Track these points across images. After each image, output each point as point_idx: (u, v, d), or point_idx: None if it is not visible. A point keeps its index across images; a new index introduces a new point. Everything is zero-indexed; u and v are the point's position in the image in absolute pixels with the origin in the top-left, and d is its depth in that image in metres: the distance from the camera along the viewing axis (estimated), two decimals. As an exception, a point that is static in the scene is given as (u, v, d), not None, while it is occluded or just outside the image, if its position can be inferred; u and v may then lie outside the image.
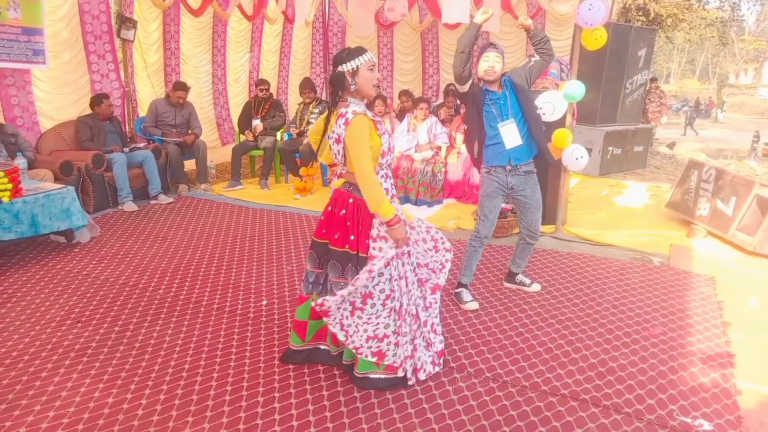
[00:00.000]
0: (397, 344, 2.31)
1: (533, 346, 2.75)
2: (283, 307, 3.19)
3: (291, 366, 2.53)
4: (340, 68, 2.24)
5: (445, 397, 2.32)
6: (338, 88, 2.27)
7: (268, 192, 6.09)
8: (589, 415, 2.21)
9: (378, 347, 2.30)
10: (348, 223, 2.30)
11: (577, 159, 4.06)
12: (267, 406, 2.24)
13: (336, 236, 2.32)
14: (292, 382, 2.41)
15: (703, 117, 20.93)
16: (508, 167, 3.09)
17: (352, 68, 2.23)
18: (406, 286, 2.35)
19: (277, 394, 2.32)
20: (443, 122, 6.23)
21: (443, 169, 5.62)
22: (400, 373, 2.33)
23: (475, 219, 4.68)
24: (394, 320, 2.30)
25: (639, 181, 7.02)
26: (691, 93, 27.30)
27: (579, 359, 2.63)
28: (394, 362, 2.31)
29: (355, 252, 2.30)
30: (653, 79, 11.01)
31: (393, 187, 2.39)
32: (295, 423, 2.14)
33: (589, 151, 5.14)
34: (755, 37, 34.00)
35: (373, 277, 2.23)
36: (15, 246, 4.08)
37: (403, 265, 2.33)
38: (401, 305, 2.31)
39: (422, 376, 2.41)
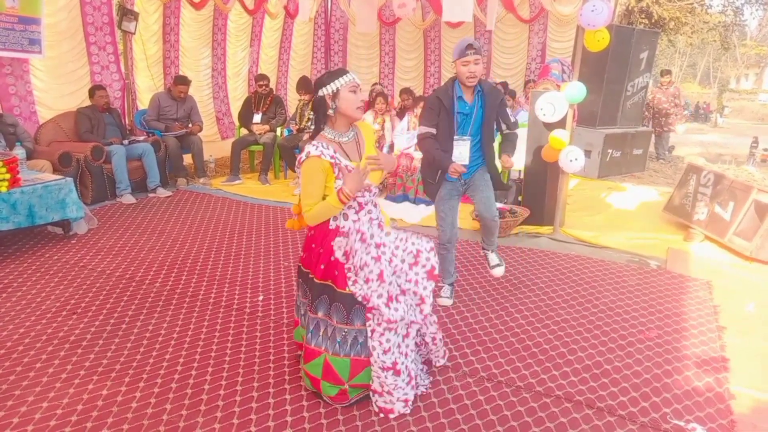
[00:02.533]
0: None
1: (529, 347, 2.76)
2: (279, 303, 3.19)
3: (286, 362, 2.53)
4: (320, 92, 2.09)
5: (440, 395, 2.32)
6: (320, 114, 2.13)
7: (267, 187, 6.08)
8: (583, 416, 2.22)
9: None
10: (312, 245, 2.19)
11: (572, 161, 4.06)
12: (261, 401, 2.24)
13: (312, 262, 2.21)
14: (287, 377, 2.41)
15: (702, 121, 20.96)
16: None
17: (332, 90, 2.07)
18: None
19: (271, 390, 2.32)
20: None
21: (442, 168, 5.61)
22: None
23: (474, 219, 4.68)
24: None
25: (637, 184, 7.03)
26: (692, 97, 27.29)
27: (574, 361, 2.64)
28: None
29: (331, 283, 2.15)
30: (665, 72, 9.23)
31: (376, 220, 2.23)
32: (289, 418, 2.14)
33: (589, 153, 5.13)
34: (757, 42, 33.95)
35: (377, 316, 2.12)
36: (12, 236, 4.07)
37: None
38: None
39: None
